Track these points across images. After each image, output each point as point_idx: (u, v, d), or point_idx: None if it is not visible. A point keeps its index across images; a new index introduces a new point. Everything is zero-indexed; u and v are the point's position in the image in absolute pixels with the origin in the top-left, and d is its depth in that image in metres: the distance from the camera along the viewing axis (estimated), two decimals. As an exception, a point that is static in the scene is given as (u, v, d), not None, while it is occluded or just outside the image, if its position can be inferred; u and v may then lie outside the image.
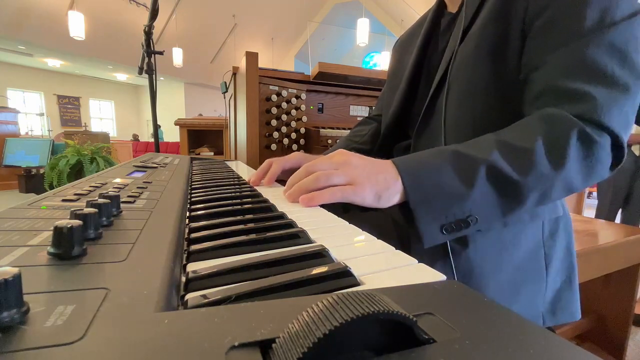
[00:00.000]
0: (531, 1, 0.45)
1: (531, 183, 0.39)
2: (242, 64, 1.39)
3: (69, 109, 10.22)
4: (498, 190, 0.39)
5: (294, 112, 1.45)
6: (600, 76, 0.41)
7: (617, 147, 0.41)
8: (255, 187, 0.52)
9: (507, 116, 0.48)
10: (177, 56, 7.47)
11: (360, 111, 1.72)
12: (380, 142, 0.71)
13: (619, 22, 0.41)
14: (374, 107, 0.89)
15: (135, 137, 9.00)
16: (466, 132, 0.50)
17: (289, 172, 0.63)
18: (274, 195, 0.45)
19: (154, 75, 1.52)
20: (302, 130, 1.48)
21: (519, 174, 0.39)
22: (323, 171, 0.41)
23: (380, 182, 0.40)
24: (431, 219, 0.39)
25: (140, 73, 1.52)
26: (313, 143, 1.46)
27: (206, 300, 0.17)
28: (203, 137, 2.98)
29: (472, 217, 0.40)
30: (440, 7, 0.64)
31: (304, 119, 1.48)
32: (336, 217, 0.35)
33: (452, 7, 0.61)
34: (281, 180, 0.64)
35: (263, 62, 1.49)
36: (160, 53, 1.54)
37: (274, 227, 0.29)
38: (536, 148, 0.39)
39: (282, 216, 0.34)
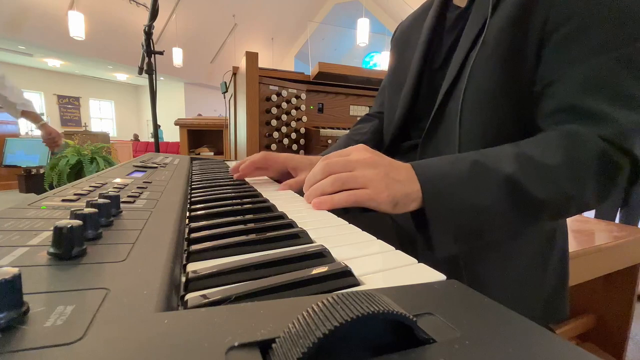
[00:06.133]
0: (552, 11, 0.43)
1: (549, 200, 0.38)
2: (242, 64, 1.40)
3: (69, 109, 10.21)
4: (515, 205, 0.38)
5: (294, 112, 1.45)
6: (624, 98, 0.40)
7: (635, 172, 0.40)
8: (255, 187, 0.52)
9: (521, 125, 0.47)
10: (177, 56, 7.47)
11: (360, 111, 1.72)
12: (386, 147, 0.69)
13: None
14: (373, 103, 0.87)
15: (136, 137, 9.00)
16: (479, 140, 0.49)
17: (275, 168, 0.62)
18: (274, 196, 0.45)
19: (154, 75, 1.52)
20: (302, 130, 1.48)
21: (538, 190, 0.38)
22: (339, 174, 0.40)
23: (399, 189, 0.38)
24: (446, 229, 0.38)
25: (140, 73, 1.52)
26: (313, 143, 1.46)
27: (206, 300, 0.17)
28: (203, 137, 2.98)
29: (486, 229, 0.39)
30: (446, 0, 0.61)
31: (304, 119, 1.48)
32: (336, 217, 0.35)
33: (459, 1, 0.58)
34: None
35: (263, 62, 1.49)
36: (160, 53, 1.54)
37: (274, 227, 0.29)
38: (558, 165, 0.38)
39: (282, 216, 0.33)
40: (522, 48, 0.46)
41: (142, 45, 1.48)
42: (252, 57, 1.33)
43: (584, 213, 0.52)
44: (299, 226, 0.30)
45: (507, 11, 0.47)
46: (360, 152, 0.42)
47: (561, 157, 0.38)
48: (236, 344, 0.12)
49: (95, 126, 10.84)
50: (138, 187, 0.41)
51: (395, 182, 0.38)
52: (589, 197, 0.40)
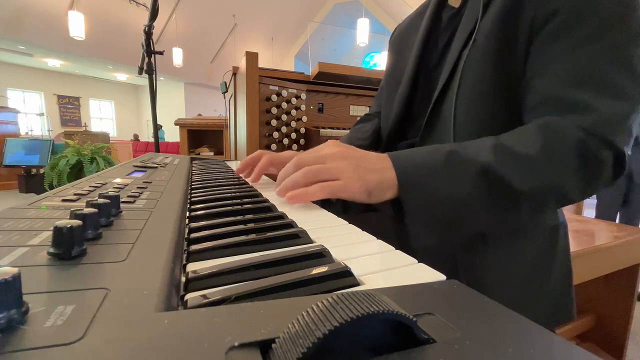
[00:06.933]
0: (539, 8, 0.44)
1: (526, 190, 0.38)
2: (242, 64, 1.39)
3: (69, 109, 10.21)
4: (492, 195, 0.39)
5: (294, 112, 1.45)
6: (606, 88, 0.40)
7: (619, 162, 0.40)
8: (255, 187, 0.52)
9: (516, 121, 0.47)
10: (177, 56, 7.47)
11: (360, 111, 1.72)
12: (383, 146, 0.69)
13: (629, 33, 0.40)
14: (372, 103, 0.87)
15: (136, 137, 9.00)
16: (474, 138, 0.48)
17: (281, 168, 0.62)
18: (274, 196, 0.45)
19: (154, 75, 1.52)
20: (302, 130, 1.48)
21: (514, 180, 0.38)
22: (311, 166, 0.40)
23: (371, 178, 0.39)
24: (421, 217, 0.38)
25: (140, 73, 1.52)
26: (313, 143, 1.46)
27: (206, 301, 0.17)
28: (203, 137, 2.98)
29: (464, 220, 0.39)
30: (442, 0, 0.62)
31: (304, 119, 1.48)
32: (336, 217, 0.35)
33: (454, 1, 0.59)
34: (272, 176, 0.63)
35: (263, 62, 1.49)
36: (160, 53, 1.54)
37: (274, 227, 0.29)
38: (534, 156, 0.38)
39: (282, 216, 0.33)
40: (512, 46, 0.46)
41: (142, 45, 1.48)
42: (252, 57, 1.33)
43: (584, 213, 0.52)
44: (299, 226, 0.30)
45: (496, 10, 0.47)
46: (331, 147, 0.43)
47: (538, 148, 0.38)
48: (236, 344, 0.12)
49: (95, 126, 10.83)
50: (138, 187, 0.41)
51: (367, 172, 0.39)
52: (570, 188, 0.40)
